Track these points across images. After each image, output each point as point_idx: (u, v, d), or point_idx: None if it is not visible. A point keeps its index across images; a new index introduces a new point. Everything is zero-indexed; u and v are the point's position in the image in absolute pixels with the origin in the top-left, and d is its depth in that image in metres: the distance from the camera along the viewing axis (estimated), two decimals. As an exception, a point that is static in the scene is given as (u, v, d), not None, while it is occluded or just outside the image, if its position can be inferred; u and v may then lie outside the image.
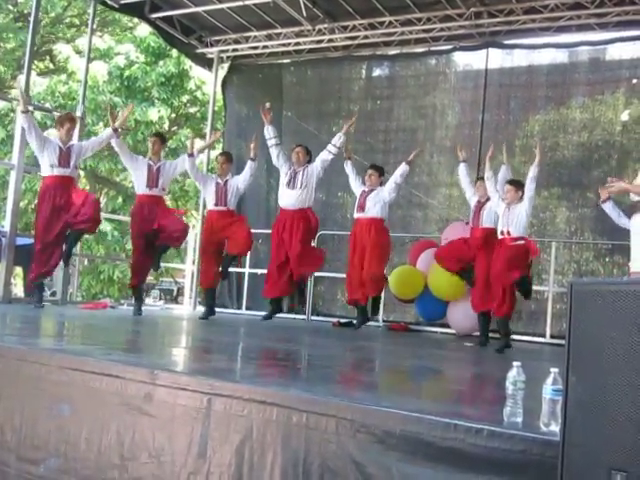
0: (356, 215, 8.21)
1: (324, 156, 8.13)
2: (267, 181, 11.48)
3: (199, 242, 11.10)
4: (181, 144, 16.35)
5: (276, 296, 8.27)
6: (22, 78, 8.75)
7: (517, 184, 7.11)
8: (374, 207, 8.03)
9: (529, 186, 6.95)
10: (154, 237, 8.07)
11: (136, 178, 8.31)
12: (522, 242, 6.93)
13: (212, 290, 8.59)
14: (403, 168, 8.12)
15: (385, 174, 8.38)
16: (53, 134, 8.38)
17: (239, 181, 8.38)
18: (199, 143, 9.34)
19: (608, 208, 6.58)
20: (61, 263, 8.29)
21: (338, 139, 8.12)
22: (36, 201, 8.23)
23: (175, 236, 8.14)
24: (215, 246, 8.34)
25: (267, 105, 8.25)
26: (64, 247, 7.99)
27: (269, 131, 8.23)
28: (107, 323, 7.17)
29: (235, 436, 2.99)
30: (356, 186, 8.33)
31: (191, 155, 8.34)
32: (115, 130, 8.04)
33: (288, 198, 8.13)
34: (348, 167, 8.35)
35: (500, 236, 7.04)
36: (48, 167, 7.77)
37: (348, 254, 8.41)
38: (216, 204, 8.33)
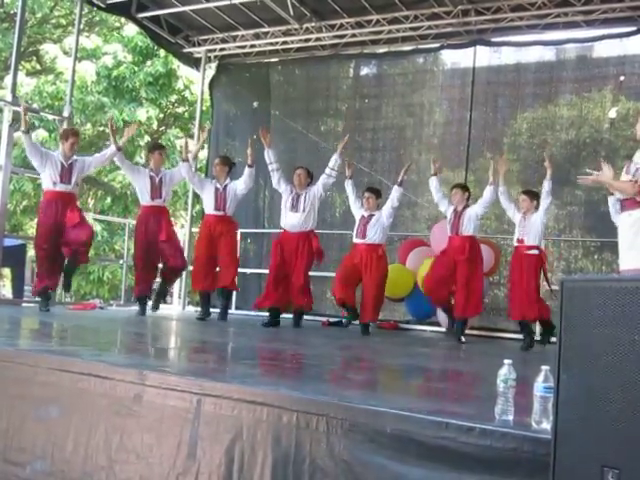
0: (356, 240, 8.09)
1: (324, 181, 8.17)
2: (256, 180, 11.42)
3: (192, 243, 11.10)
4: (170, 144, 16.31)
5: (268, 306, 8.31)
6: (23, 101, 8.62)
7: (531, 194, 7.39)
8: (375, 234, 7.97)
9: (545, 200, 7.21)
10: (156, 248, 8.23)
11: (139, 189, 8.38)
12: (536, 252, 7.25)
13: (208, 293, 8.59)
14: (398, 191, 8.02)
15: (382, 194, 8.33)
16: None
17: (238, 187, 8.38)
18: (192, 145, 9.31)
19: (612, 202, 6.53)
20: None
21: (334, 162, 8.11)
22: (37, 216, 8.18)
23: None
24: (211, 251, 8.35)
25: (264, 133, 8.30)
26: (63, 276, 8.03)
27: (269, 155, 8.27)
28: (96, 324, 7.13)
29: (225, 436, 2.97)
30: (355, 208, 8.21)
31: (186, 160, 8.37)
32: (119, 149, 8.06)
33: (291, 221, 8.17)
34: (349, 187, 8.23)
35: (516, 243, 7.40)
36: (50, 183, 7.70)
37: (341, 265, 8.31)
38: (215, 209, 8.36)
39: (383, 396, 3.26)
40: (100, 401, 3.36)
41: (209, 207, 8.43)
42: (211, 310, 8.48)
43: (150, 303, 8.59)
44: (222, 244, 8.31)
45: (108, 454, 3.26)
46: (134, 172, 8.44)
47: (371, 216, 8.01)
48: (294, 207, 8.14)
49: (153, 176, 8.23)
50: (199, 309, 8.74)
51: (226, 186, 8.34)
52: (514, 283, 7.42)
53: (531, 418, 2.45)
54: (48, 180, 7.70)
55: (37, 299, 8.26)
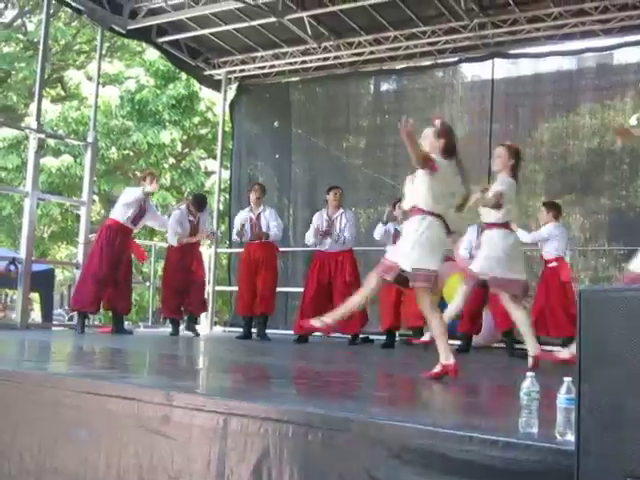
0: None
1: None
2: (280, 199, 11.50)
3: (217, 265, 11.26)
4: (194, 164, 16.45)
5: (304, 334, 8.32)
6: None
7: (547, 205, 7.50)
8: None
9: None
10: (186, 281, 8.63)
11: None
12: (556, 264, 7.33)
13: (250, 317, 8.71)
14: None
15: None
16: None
17: (271, 222, 8.54)
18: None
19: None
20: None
21: None
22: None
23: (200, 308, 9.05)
24: (252, 277, 8.54)
25: None
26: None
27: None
28: (124, 346, 7.19)
29: (252, 455, 2.99)
30: (380, 233, 8.03)
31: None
32: None
33: (327, 242, 8.23)
34: (380, 230, 8.06)
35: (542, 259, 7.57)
36: (124, 217, 8.23)
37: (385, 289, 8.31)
38: (251, 238, 8.53)
39: (407, 411, 3.27)
40: (129, 422, 3.40)
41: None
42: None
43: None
44: (262, 273, 8.51)
45: (140, 475, 3.29)
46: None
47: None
48: (328, 232, 8.15)
49: (192, 220, 8.70)
50: (227, 329, 8.91)
51: (259, 214, 8.50)
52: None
53: (555, 430, 2.45)
54: (123, 214, 8.16)
55: (68, 322, 8.42)
